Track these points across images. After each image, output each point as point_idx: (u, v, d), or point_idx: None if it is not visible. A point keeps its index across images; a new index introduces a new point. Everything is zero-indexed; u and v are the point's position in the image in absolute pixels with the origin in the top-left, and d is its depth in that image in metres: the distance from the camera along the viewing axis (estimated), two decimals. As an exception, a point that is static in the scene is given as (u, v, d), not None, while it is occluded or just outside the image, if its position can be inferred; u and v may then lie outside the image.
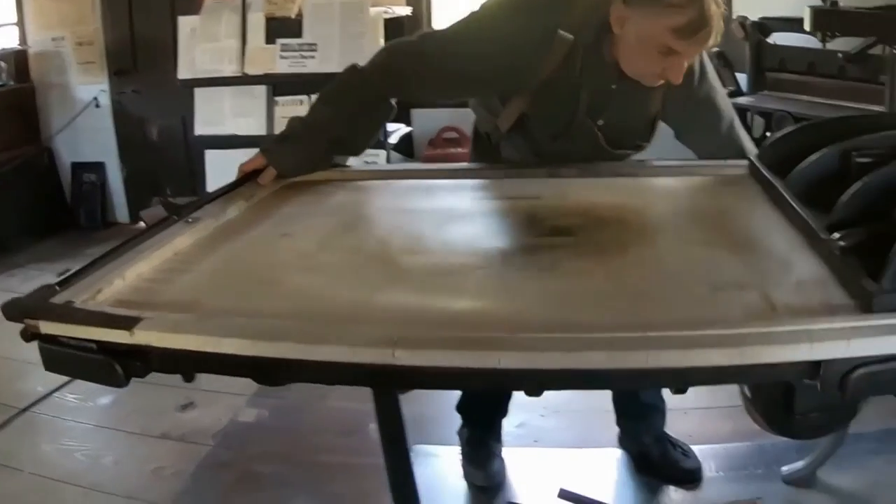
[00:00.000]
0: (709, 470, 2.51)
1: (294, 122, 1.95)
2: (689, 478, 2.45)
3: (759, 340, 1.06)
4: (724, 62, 4.05)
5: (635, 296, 1.29)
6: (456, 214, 1.73)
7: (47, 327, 1.21)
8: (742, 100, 3.82)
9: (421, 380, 1.21)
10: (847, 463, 2.45)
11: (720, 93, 2.04)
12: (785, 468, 2.44)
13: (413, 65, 1.91)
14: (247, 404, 3.00)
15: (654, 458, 2.49)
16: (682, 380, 1.22)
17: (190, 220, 1.64)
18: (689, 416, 2.78)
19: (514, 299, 1.29)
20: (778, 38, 3.94)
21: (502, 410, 2.55)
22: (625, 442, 2.59)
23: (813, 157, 1.53)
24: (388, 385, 1.38)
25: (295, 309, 1.27)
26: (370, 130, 2.01)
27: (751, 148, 2.01)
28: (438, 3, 4.76)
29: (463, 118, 4.48)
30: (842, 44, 3.59)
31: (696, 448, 2.56)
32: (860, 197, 1.31)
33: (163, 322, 1.19)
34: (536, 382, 1.15)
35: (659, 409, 2.50)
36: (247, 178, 1.90)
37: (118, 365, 1.19)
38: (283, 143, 1.95)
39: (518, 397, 2.85)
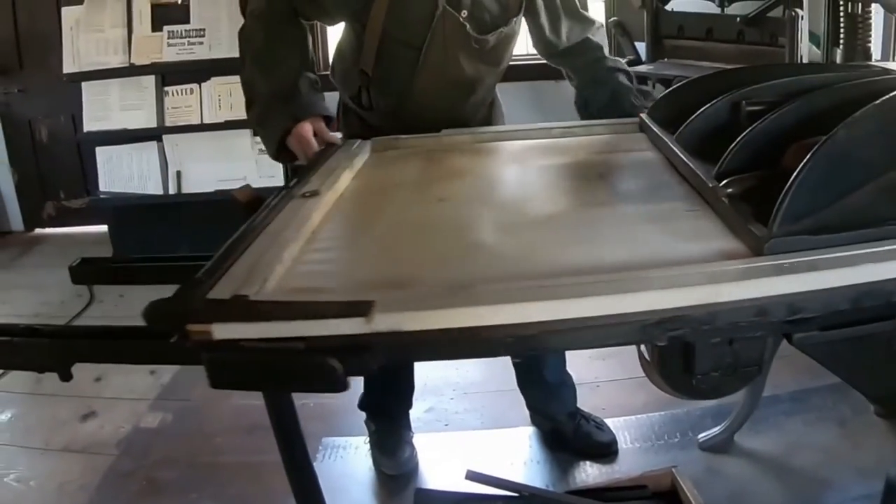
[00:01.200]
0: (624, 441, 2.50)
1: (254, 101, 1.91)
2: (604, 451, 2.45)
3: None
4: (623, 31, 4.05)
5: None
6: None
7: (224, 331, 1.00)
8: (641, 68, 3.81)
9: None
10: (763, 426, 2.48)
11: None
12: (701, 435, 2.45)
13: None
14: (149, 409, 2.92)
15: (567, 434, 2.48)
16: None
17: (308, 193, 1.48)
18: (601, 388, 2.79)
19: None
20: (676, 5, 3.93)
21: (406, 403, 2.51)
22: (537, 420, 2.56)
23: (704, 109, 1.51)
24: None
25: (533, 269, 1.12)
26: (303, 54, 1.95)
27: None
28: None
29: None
30: (739, 8, 3.60)
31: (609, 420, 2.55)
32: (749, 145, 1.28)
33: (410, 301, 1.01)
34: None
35: (567, 384, 2.49)
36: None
37: (338, 363, 0.98)
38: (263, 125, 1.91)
39: (427, 381, 2.82)
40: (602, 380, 2.83)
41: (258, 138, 3.82)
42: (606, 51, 2.13)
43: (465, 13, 1.86)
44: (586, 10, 2.11)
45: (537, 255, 1.19)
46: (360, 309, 0.96)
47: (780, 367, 1.33)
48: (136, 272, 1.88)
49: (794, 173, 1.07)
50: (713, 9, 3.68)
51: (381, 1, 1.83)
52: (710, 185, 1.25)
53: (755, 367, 1.28)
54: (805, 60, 3.04)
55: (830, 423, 2.47)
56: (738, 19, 3.56)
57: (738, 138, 1.28)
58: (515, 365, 2.43)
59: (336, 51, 2.16)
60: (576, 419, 2.49)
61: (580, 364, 2.87)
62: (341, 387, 1.00)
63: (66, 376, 1.30)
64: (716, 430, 2.41)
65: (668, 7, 3.95)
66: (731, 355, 1.25)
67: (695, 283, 1.01)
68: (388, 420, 2.50)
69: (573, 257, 1.16)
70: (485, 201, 1.49)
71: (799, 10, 3.10)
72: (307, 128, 1.83)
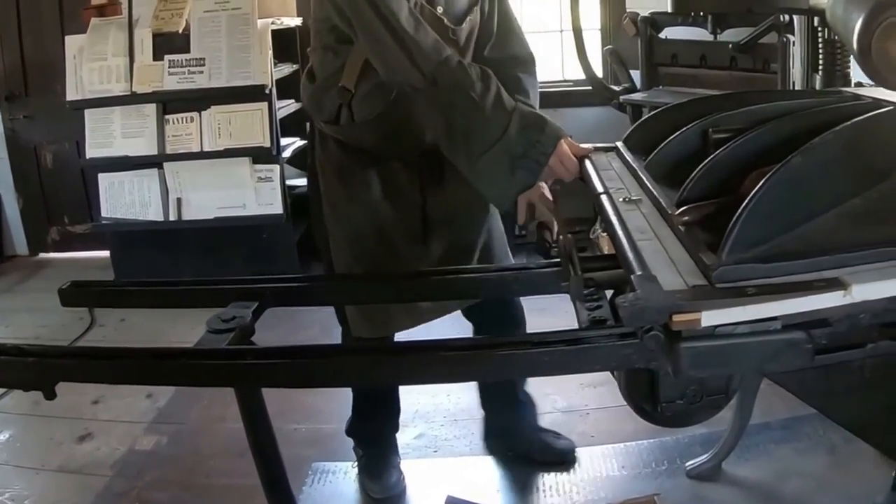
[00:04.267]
0: (612, 469, 2.51)
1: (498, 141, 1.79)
2: (566, 458, 2.53)
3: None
4: (618, 59, 4.08)
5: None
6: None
7: (711, 318, 1.05)
8: (636, 96, 3.85)
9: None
10: (752, 454, 2.48)
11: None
12: (689, 463, 2.44)
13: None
14: (144, 432, 2.94)
15: (534, 448, 2.55)
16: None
17: (629, 199, 1.48)
18: (590, 416, 2.81)
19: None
20: (669, 33, 3.97)
21: (392, 426, 2.53)
22: (499, 443, 2.62)
23: (673, 137, 1.52)
24: None
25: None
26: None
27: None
28: (330, 12, 4.64)
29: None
30: (732, 35, 3.62)
31: (598, 448, 2.58)
32: (711, 172, 1.30)
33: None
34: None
35: (531, 402, 2.57)
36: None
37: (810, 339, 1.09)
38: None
39: (419, 408, 2.83)
40: (592, 407, 2.84)
41: (257, 166, 3.95)
42: (531, 96, 2.08)
43: (440, 9, 1.92)
44: (524, 45, 2.13)
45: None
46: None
47: (770, 394, 1.34)
48: (127, 296, 1.92)
49: (746, 201, 1.09)
50: (706, 36, 3.71)
51: None
52: (670, 212, 1.26)
53: (722, 395, 1.30)
54: (798, 86, 3.06)
55: (820, 451, 2.46)
56: (731, 46, 3.59)
57: (700, 166, 1.29)
58: (490, 388, 2.51)
59: (305, 78, 2.15)
60: (539, 434, 2.58)
61: (571, 391, 2.90)
62: (809, 362, 1.11)
63: (50, 395, 1.35)
64: (703, 457, 2.40)
65: (662, 35, 3.99)
66: (697, 384, 1.26)
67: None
68: (376, 444, 2.51)
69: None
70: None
71: (790, 36, 3.12)
72: (566, 147, 1.77)
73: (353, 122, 2.02)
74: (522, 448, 2.55)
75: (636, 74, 4.09)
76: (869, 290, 1.07)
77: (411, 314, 2.10)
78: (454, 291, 1.85)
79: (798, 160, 1.14)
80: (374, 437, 2.52)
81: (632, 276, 1.08)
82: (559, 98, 2.22)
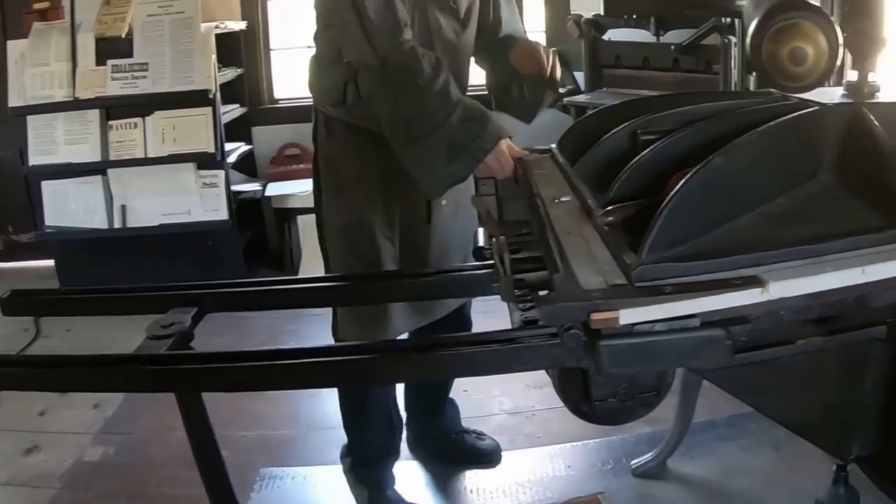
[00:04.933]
0: (558, 469, 2.53)
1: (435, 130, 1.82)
2: (491, 459, 2.58)
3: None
4: (562, 61, 4.09)
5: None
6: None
7: (629, 316, 1.07)
8: (580, 98, 3.89)
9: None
10: (698, 451, 2.51)
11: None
12: (634, 462, 2.46)
13: None
14: (92, 443, 2.90)
15: (459, 448, 2.59)
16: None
17: (559, 200, 1.50)
18: (536, 416, 2.83)
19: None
20: (613, 35, 4.00)
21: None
22: (431, 444, 2.63)
23: (603, 139, 1.54)
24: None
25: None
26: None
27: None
28: (275, 16, 4.64)
29: (304, 134, 4.46)
30: (675, 37, 3.67)
31: (545, 448, 2.61)
32: (637, 173, 1.32)
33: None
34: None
35: (454, 404, 2.62)
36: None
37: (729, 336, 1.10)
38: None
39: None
40: (538, 408, 2.86)
41: (202, 172, 3.92)
42: None
43: None
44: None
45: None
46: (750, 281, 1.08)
47: (715, 392, 1.34)
48: (68, 304, 1.91)
49: (665, 201, 1.11)
50: (649, 38, 3.76)
51: None
52: (594, 214, 1.27)
53: (653, 393, 1.31)
54: (740, 87, 3.11)
55: (766, 448, 2.50)
56: (673, 48, 3.63)
57: (626, 167, 1.31)
58: (415, 392, 2.54)
59: (311, 64, 2.16)
60: (463, 434, 2.62)
61: (517, 393, 2.92)
62: (729, 360, 1.13)
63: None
64: (648, 456, 2.43)
65: (605, 37, 4.03)
66: (628, 382, 1.28)
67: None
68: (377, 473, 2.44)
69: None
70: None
71: (732, 38, 3.17)
72: (505, 147, 1.80)
73: (360, 99, 2.02)
74: (447, 450, 2.57)
75: (580, 76, 4.13)
76: (787, 287, 1.10)
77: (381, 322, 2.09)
78: (396, 293, 1.86)
79: (718, 161, 1.17)
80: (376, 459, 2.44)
81: (552, 276, 1.10)
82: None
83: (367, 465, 2.40)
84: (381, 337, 2.07)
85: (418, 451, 2.63)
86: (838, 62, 1.43)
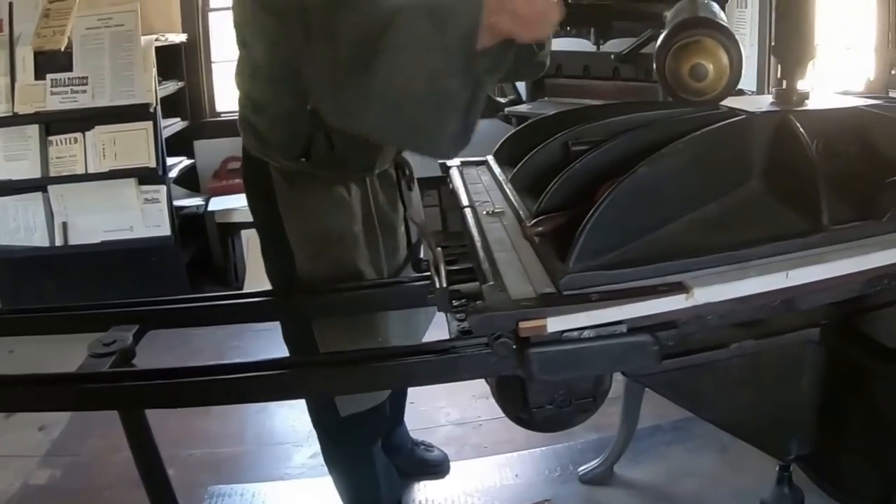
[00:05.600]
0: (506, 478, 2.54)
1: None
2: (440, 470, 2.60)
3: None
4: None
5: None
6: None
7: (557, 323, 1.09)
8: (522, 107, 3.91)
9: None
10: (644, 456, 2.54)
11: None
12: (581, 468, 2.48)
13: None
14: (38, 466, 2.83)
15: (408, 461, 2.57)
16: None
17: (492, 211, 1.51)
18: (483, 427, 2.83)
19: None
20: (553, 44, 4.01)
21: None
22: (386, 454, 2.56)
23: (537, 150, 1.56)
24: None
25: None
26: None
27: None
28: (216, 28, 4.61)
29: (246, 147, 4.46)
30: (616, 45, 3.70)
31: (492, 458, 2.62)
32: (567, 184, 1.34)
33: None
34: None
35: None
36: None
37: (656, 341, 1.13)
38: None
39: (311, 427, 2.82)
40: (484, 419, 2.86)
41: (144, 187, 3.89)
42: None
43: None
44: None
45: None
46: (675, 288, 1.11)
47: (661, 397, 1.37)
48: (5, 324, 1.88)
49: (591, 210, 1.13)
50: (589, 47, 3.79)
51: None
52: (525, 224, 1.30)
53: (590, 399, 1.34)
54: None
55: (711, 450, 2.52)
56: (613, 56, 3.64)
57: (556, 178, 1.33)
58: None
59: (249, 117, 1.83)
60: (412, 447, 2.62)
61: (464, 403, 2.93)
62: (656, 365, 1.16)
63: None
64: (595, 462, 2.45)
65: (547, 46, 4.04)
66: (564, 389, 1.30)
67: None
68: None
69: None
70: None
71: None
72: None
73: (333, 151, 1.73)
74: (399, 461, 2.55)
75: (521, 86, 4.16)
76: (712, 292, 1.13)
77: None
78: (330, 308, 1.84)
79: (644, 170, 1.19)
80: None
81: (482, 287, 1.12)
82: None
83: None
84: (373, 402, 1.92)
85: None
86: (742, 77, 1.46)
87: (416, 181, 2.04)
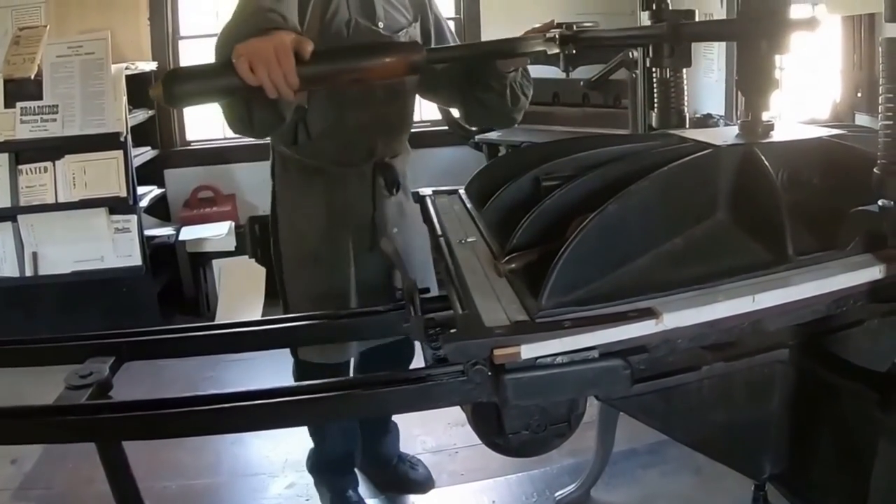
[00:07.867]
0: (483, 504, 2.54)
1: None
2: (424, 487, 2.68)
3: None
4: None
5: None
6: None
7: (531, 350, 1.12)
8: (492, 135, 3.94)
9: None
10: (620, 480, 2.57)
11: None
12: (558, 493, 2.51)
13: None
14: (11, 499, 2.83)
15: (396, 474, 2.65)
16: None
17: (463, 241, 1.54)
18: (459, 454, 2.86)
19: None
20: (521, 71, 4.06)
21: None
22: (371, 465, 2.67)
23: (507, 185, 1.56)
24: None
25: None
26: None
27: None
28: (186, 56, 4.60)
29: (217, 176, 4.43)
30: (584, 72, 3.76)
31: (469, 485, 2.65)
32: (538, 220, 1.36)
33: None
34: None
35: (396, 429, 2.67)
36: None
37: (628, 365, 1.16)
38: None
39: (289, 457, 2.81)
40: (460, 446, 2.89)
41: (114, 217, 3.89)
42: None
43: (381, 24, 2.04)
44: None
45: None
46: (642, 314, 1.14)
47: (636, 421, 1.40)
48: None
49: (562, 248, 1.16)
50: (559, 74, 3.83)
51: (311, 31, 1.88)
52: (497, 260, 1.33)
53: (564, 423, 1.36)
54: (642, 122, 3.19)
55: (686, 473, 2.56)
56: (582, 83, 3.68)
57: (528, 214, 1.35)
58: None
59: None
60: (398, 462, 2.68)
61: (439, 431, 2.96)
62: (628, 389, 1.18)
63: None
64: (571, 487, 2.48)
65: (516, 72, 4.08)
66: (539, 414, 1.32)
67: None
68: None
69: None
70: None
71: (638, 73, 3.25)
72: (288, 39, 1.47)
73: (310, 139, 2.09)
74: (386, 476, 2.62)
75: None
76: (680, 317, 1.16)
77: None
78: (307, 338, 1.87)
79: (612, 208, 1.23)
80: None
81: (457, 315, 1.14)
82: (416, 139, 2.29)
83: (327, 471, 2.50)
84: (337, 359, 2.20)
85: (367, 472, 2.67)
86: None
87: (409, 197, 2.18)
